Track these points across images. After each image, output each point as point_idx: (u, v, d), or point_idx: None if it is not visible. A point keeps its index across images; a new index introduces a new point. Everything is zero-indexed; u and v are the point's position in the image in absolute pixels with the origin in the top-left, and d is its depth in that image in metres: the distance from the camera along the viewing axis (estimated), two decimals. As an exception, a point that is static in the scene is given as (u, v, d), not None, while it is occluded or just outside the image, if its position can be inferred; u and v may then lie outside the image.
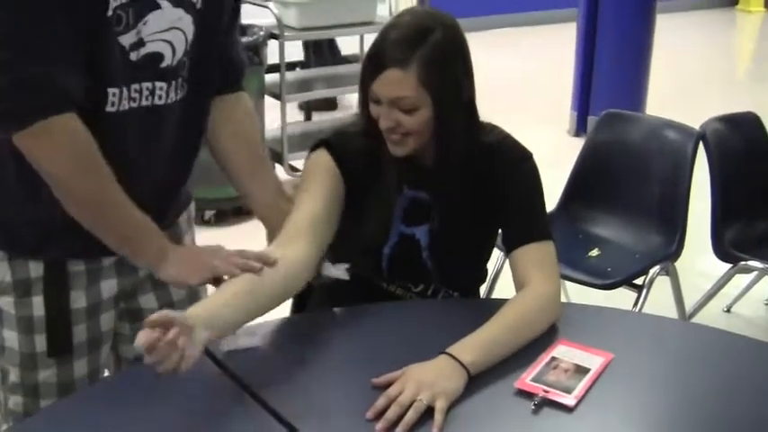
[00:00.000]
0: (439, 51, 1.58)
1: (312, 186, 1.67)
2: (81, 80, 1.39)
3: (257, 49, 4.09)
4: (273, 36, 4.24)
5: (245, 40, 4.02)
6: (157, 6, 1.45)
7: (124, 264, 1.62)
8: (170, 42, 1.50)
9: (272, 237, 1.68)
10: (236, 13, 1.69)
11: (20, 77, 1.34)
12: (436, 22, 1.60)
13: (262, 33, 4.11)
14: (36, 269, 1.55)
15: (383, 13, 5.02)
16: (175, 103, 1.55)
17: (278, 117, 4.41)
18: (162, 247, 1.54)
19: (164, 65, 1.50)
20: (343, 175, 1.69)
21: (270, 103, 4.36)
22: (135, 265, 1.61)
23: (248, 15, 5.02)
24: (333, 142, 1.72)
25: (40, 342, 1.57)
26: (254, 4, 4.57)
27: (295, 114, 4.72)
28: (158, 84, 1.51)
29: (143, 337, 1.23)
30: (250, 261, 1.49)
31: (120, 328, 1.71)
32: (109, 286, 1.62)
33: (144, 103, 1.50)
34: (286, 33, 4.25)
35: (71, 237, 1.51)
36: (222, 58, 1.67)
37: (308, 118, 5.10)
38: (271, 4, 4.31)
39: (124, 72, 1.45)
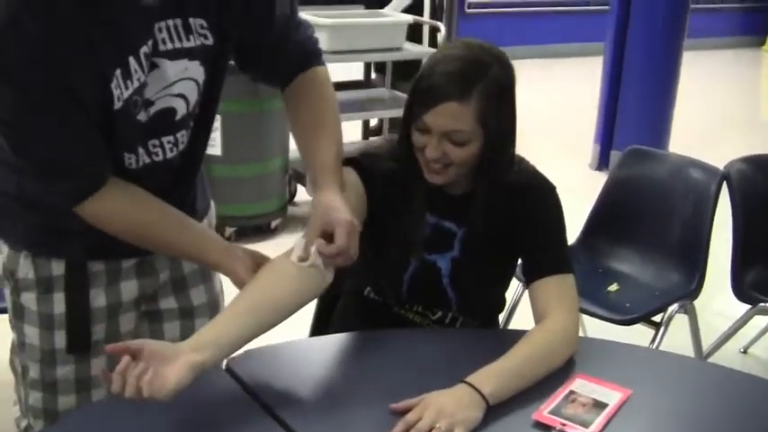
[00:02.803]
0: (497, 87, 1.59)
1: None
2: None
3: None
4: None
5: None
6: (154, 66, 1.44)
7: (144, 266, 1.66)
8: (181, 95, 1.50)
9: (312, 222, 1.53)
10: (270, 16, 1.60)
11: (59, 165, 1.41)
12: (492, 57, 1.61)
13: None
14: (58, 267, 1.58)
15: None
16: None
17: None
18: (220, 262, 1.57)
19: (178, 117, 1.52)
20: (368, 195, 1.69)
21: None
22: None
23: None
24: (361, 162, 1.72)
25: (60, 338, 1.60)
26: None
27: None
28: (177, 135, 1.55)
29: (97, 369, 1.26)
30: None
31: (141, 329, 1.73)
32: (129, 287, 1.65)
33: (169, 155, 1.55)
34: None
35: (90, 238, 1.54)
36: (278, 59, 1.66)
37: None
38: (302, 27, 4.36)
39: (137, 136, 1.49)
